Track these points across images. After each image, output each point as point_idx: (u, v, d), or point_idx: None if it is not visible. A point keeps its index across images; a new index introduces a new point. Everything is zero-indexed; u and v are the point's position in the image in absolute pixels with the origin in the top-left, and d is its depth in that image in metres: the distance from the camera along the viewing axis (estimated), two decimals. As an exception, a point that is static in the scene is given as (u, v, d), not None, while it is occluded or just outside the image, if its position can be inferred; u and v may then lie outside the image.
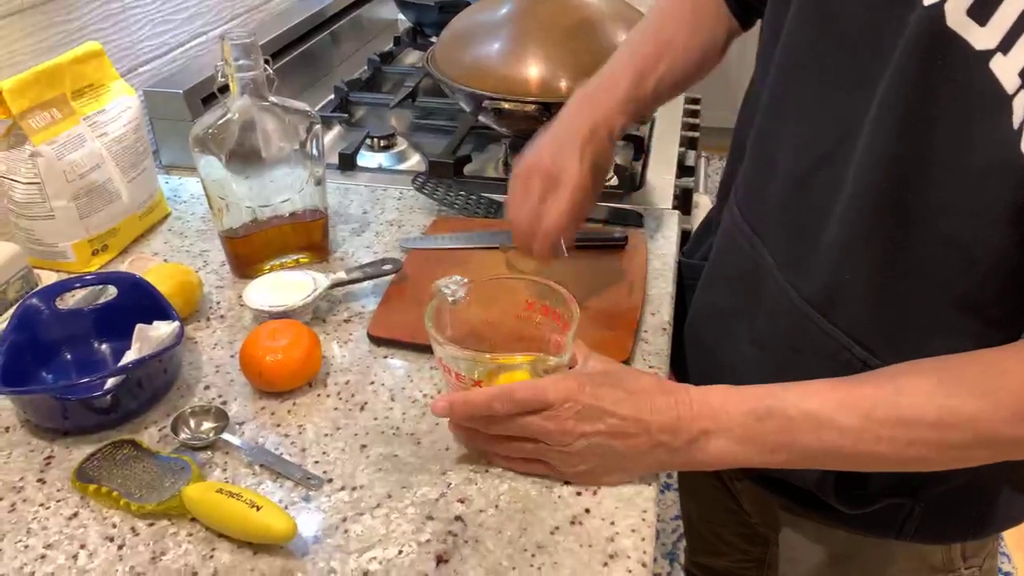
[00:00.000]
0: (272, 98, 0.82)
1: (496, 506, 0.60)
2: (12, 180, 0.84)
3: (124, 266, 0.87)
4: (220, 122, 0.81)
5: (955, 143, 0.51)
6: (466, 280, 0.66)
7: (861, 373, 0.58)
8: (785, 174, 0.64)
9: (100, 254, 0.90)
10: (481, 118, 1.07)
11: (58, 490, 0.63)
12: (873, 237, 0.57)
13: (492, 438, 0.62)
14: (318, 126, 0.85)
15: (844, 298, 0.60)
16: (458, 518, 0.59)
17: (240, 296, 0.83)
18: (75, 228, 0.87)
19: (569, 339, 0.62)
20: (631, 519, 0.59)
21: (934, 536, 0.70)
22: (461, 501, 0.61)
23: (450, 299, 0.65)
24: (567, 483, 0.62)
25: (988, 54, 0.47)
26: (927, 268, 0.55)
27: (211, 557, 0.57)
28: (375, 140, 1.17)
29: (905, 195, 0.54)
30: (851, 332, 0.60)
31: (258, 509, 0.56)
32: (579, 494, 0.61)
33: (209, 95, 1.09)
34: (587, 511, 0.60)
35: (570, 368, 0.64)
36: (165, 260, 0.91)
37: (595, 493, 0.61)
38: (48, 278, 0.87)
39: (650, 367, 0.75)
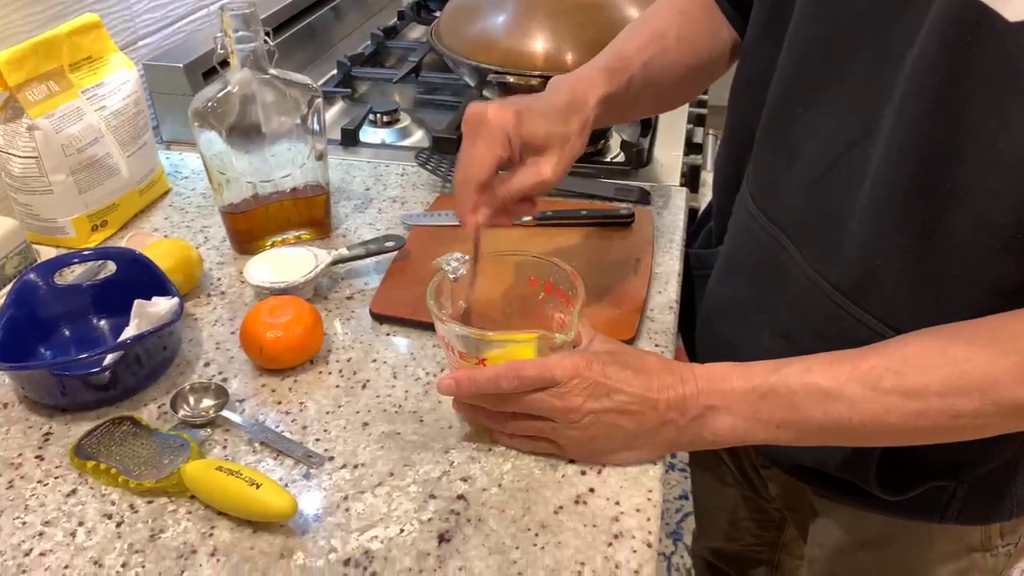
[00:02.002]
0: (272, 71, 0.81)
1: (499, 485, 0.59)
2: (9, 154, 0.83)
3: (124, 242, 0.85)
4: (220, 95, 0.79)
5: (988, 121, 0.49)
6: (467, 257, 0.65)
7: (866, 345, 0.56)
8: (807, 163, 0.62)
9: (100, 230, 0.89)
10: (486, 93, 1.05)
11: (56, 467, 0.62)
12: (904, 223, 0.55)
13: (497, 416, 0.61)
14: (319, 100, 0.83)
15: (877, 284, 0.58)
16: (460, 497, 0.59)
17: (241, 272, 0.82)
18: (74, 203, 0.86)
19: (574, 316, 0.61)
20: (636, 498, 0.58)
21: (977, 517, 0.69)
22: (464, 480, 0.60)
23: (451, 276, 0.64)
24: (571, 462, 0.61)
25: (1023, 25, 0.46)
26: (961, 251, 0.53)
27: (210, 535, 0.56)
28: (378, 116, 1.16)
29: (935, 178, 0.52)
30: (885, 318, 0.58)
31: (257, 487, 0.55)
32: (583, 473, 0.60)
33: (210, 69, 1.07)
34: (591, 490, 0.59)
35: (575, 347, 0.63)
36: (165, 236, 0.90)
37: (599, 472, 0.60)
38: (47, 253, 0.86)
39: (656, 346, 0.73)
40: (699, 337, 0.82)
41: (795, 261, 0.64)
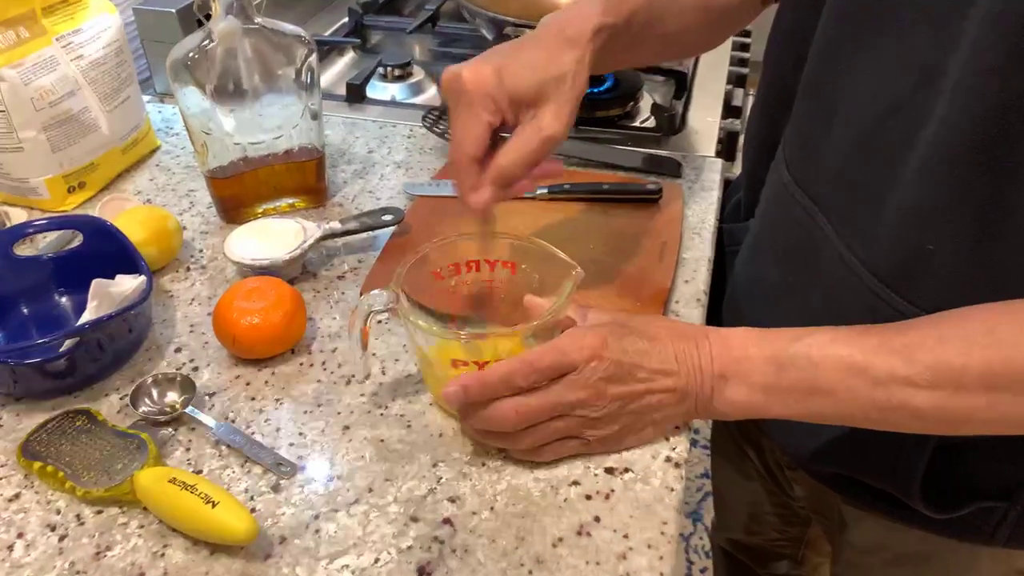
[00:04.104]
0: (260, 20, 0.72)
1: (492, 508, 0.52)
2: (-25, 107, 0.75)
3: (98, 207, 0.78)
4: (201, 47, 0.71)
5: None
6: (386, 293, 0.54)
7: (901, 321, 0.50)
8: (847, 127, 0.54)
9: (77, 192, 0.82)
10: (504, 47, 0.95)
11: (1, 466, 0.55)
12: (962, 199, 0.47)
13: (511, 432, 0.53)
14: (314, 53, 0.74)
15: (924, 272, 0.51)
16: (447, 521, 0.51)
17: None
18: (47, 162, 0.79)
19: (567, 287, 0.54)
20: (648, 532, 0.50)
21: None
22: (452, 500, 0.52)
23: (384, 315, 0.55)
24: (575, 483, 0.53)
25: None
26: None
27: (162, 556, 0.50)
28: (389, 69, 1.07)
29: (1004, 147, 0.44)
30: (933, 311, 0.51)
31: (214, 505, 0.48)
32: (588, 498, 0.52)
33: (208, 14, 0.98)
34: (597, 519, 0.51)
35: (562, 331, 0.55)
36: (148, 200, 0.83)
37: (607, 497, 0.52)
38: (18, 216, 0.79)
39: (680, 344, 0.65)
40: (724, 318, 0.75)
41: (830, 240, 0.57)
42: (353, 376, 0.62)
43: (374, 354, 0.64)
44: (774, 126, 0.66)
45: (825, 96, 0.57)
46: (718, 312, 0.75)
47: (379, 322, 0.55)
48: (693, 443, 1.77)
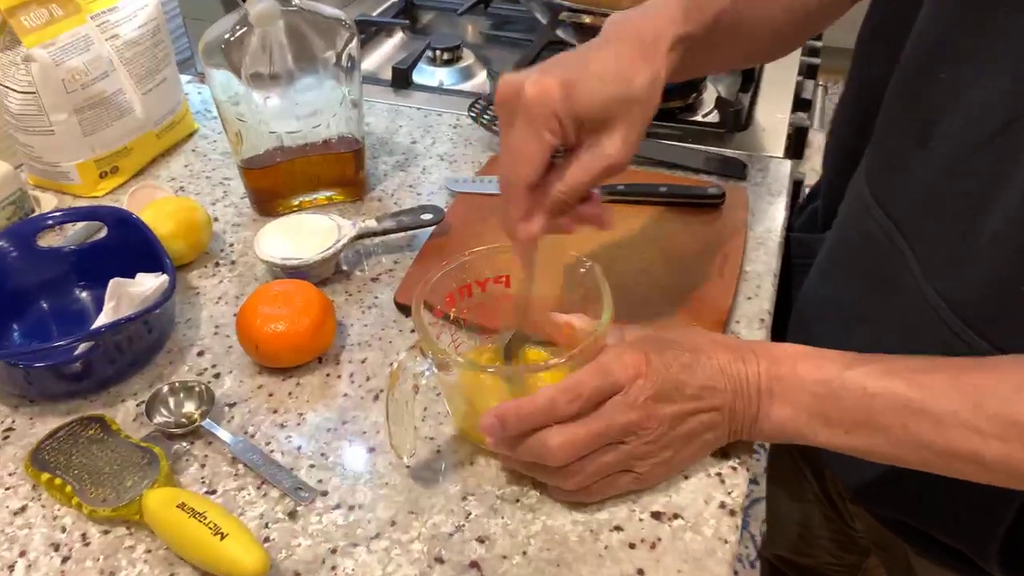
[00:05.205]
0: (298, 2, 0.68)
1: (524, 552, 0.47)
2: (5, 87, 0.72)
3: (128, 195, 0.75)
4: (236, 30, 0.67)
5: None
6: (432, 360, 0.49)
7: (975, 358, 0.45)
8: (945, 143, 0.48)
9: (109, 177, 0.79)
10: (559, 33, 0.90)
11: (10, 474, 0.53)
12: None
13: (555, 469, 0.48)
14: (355, 38, 0.70)
15: (1016, 315, 0.45)
16: (474, 565, 0.47)
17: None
18: (78, 146, 0.76)
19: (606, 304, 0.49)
20: (697, 590, 0.45)
21: None
22: (481, 540, 0.48)
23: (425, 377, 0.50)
24: (617, 528, 0.48)
25: None
26: None
27: (168, 586, 0.46)
28: (437, 52, 1.01)
29: None
30: None
31: (223, 537, 0.45)
32: (632, 547, 0.47)
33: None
34: (640, 572, 0.46)
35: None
36: (181, 188, 0.79)
37: (653, 547, 0.47)
38: (48, 203, 0.76)
39: (739, 369, 0.59)
40: (790, 339, 0.68)
41: (910, 269, 0.51)
42: (383, 391, 0.57)
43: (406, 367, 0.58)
44: (860, 134, 0.59)
45: (919, 106, 0.50)
46: (782, 331, 0.69)
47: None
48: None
